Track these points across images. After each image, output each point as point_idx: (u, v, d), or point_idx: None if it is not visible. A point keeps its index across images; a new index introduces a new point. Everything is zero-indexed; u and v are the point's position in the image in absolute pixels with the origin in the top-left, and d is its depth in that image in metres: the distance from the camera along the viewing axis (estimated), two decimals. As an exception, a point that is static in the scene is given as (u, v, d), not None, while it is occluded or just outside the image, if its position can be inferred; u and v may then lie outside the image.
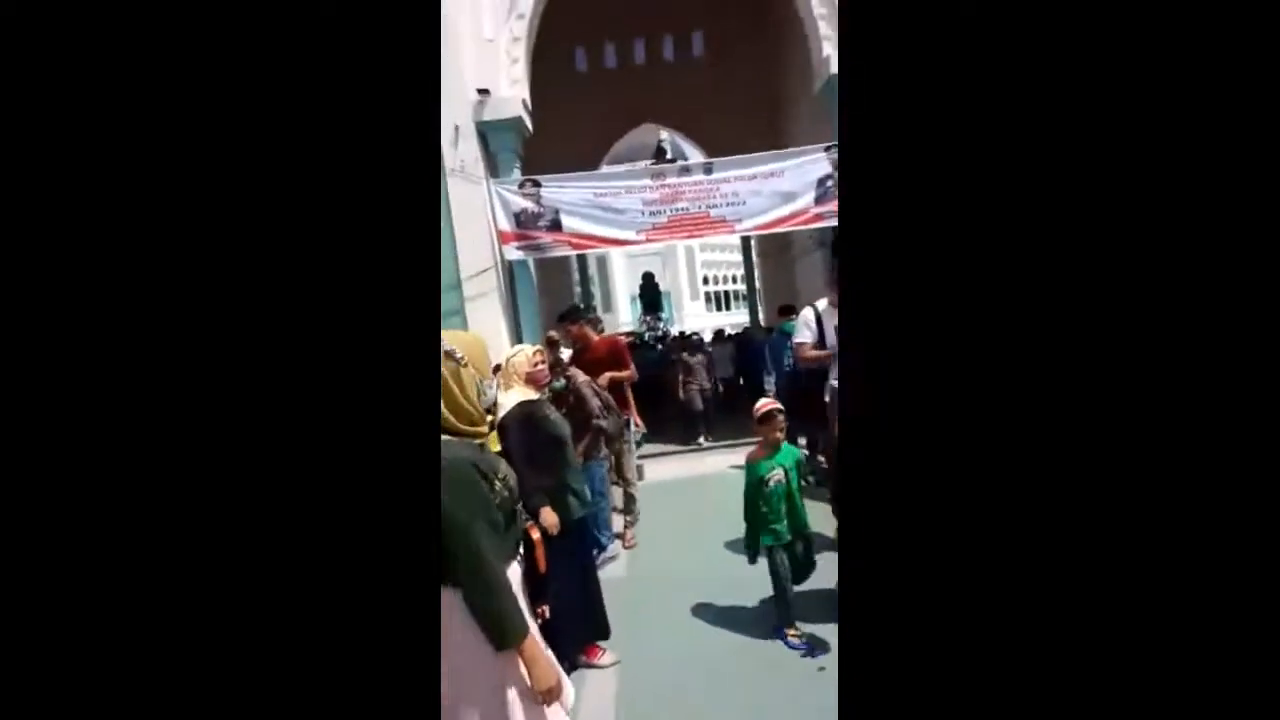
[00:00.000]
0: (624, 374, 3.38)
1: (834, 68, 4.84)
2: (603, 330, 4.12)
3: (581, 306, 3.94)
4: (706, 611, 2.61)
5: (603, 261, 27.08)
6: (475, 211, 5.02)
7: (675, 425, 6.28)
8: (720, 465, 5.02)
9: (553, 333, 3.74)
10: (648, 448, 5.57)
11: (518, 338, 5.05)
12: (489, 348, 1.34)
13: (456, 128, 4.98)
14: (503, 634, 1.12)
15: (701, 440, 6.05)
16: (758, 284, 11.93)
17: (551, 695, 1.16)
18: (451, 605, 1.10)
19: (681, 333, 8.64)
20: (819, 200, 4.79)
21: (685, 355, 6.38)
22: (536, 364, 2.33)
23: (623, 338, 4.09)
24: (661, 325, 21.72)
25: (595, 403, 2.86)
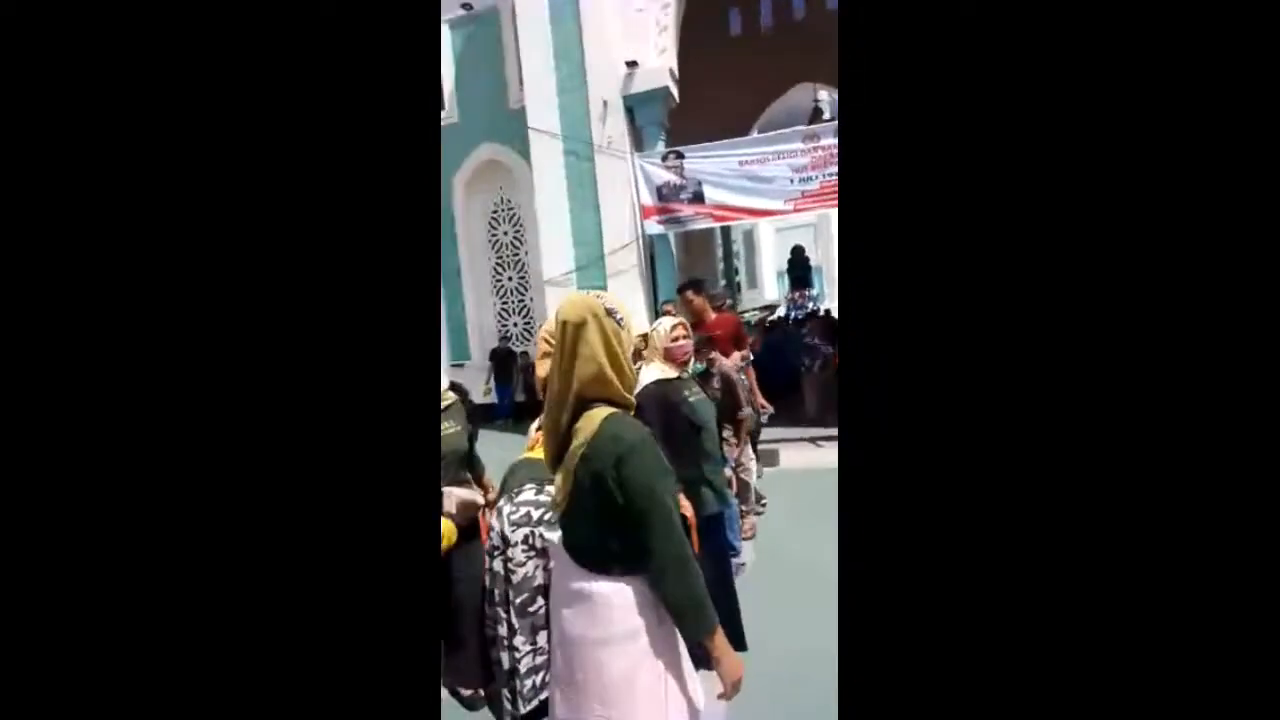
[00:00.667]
0: (739, 354, 3.06)
1: None
2: (728, 306, 3.88)
3: (703, 280, 3.65)
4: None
5: (749, 235, 26.30)
6: (620, 187, 5.07)
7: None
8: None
9: (668, 307, 3.55)
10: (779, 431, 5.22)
11: (655, 315, 5.05)
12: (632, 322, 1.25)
13: (605, 103, 5.04)
14: (699, 623, 0.99)
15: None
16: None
17: (738, 687, 1.04)
18: (625, 594, 1.01)
19: (827, 311, 7.88)
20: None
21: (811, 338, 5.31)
22: (676, 339, 2.17)
23: (740, 316, 3.77)
24: (811, 303, 20.52)
25: (742, 392, 2.63)
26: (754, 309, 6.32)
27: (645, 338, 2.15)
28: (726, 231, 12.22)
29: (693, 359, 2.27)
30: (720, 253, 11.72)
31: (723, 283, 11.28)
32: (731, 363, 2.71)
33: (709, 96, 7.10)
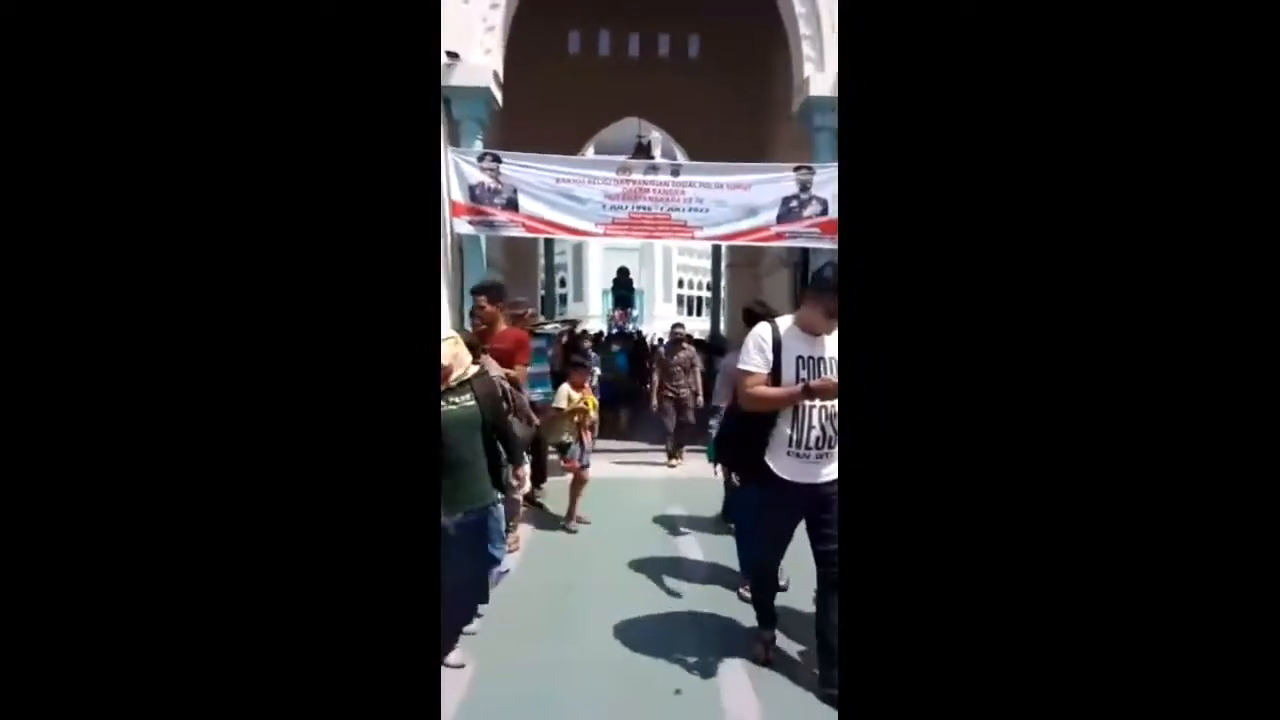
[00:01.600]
0: (514, 371, 3.06)
1: (813, 89, 4.82)
2: (530, 316, 3.94)
3: (497, 285, 3.63)
4: (587, 618, 2.53)
5: (579, 248, 26.77)
6: (431, 178, 4.82)
7: (647, 429, 5.67)
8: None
9: (463, 330, 3.47)
10: (608, 444, 5.43)
11: (460, 315, 4.87)
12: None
13: (421, 88, 4.77)
14: None
15: (670, 460, 5.15)
16: (723, 294, 11.96)
17: None
18: None
19: (639, 332, 8.47)
20: (781, 219, 4.77)
21: (664, 353, 5.39)
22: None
23: (533, 330, 3.86)
24: (631, 324, 21.62)
25: (512, 404, 2.68)
26: (555, 322, 6.40)
27: None
28: (551, 242, 12.34)
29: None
30: (543, 262, 11.77)
31: (541, 293, 11.32)
32: (498, 373, 2.75)
33: (539, 109, 7.16)
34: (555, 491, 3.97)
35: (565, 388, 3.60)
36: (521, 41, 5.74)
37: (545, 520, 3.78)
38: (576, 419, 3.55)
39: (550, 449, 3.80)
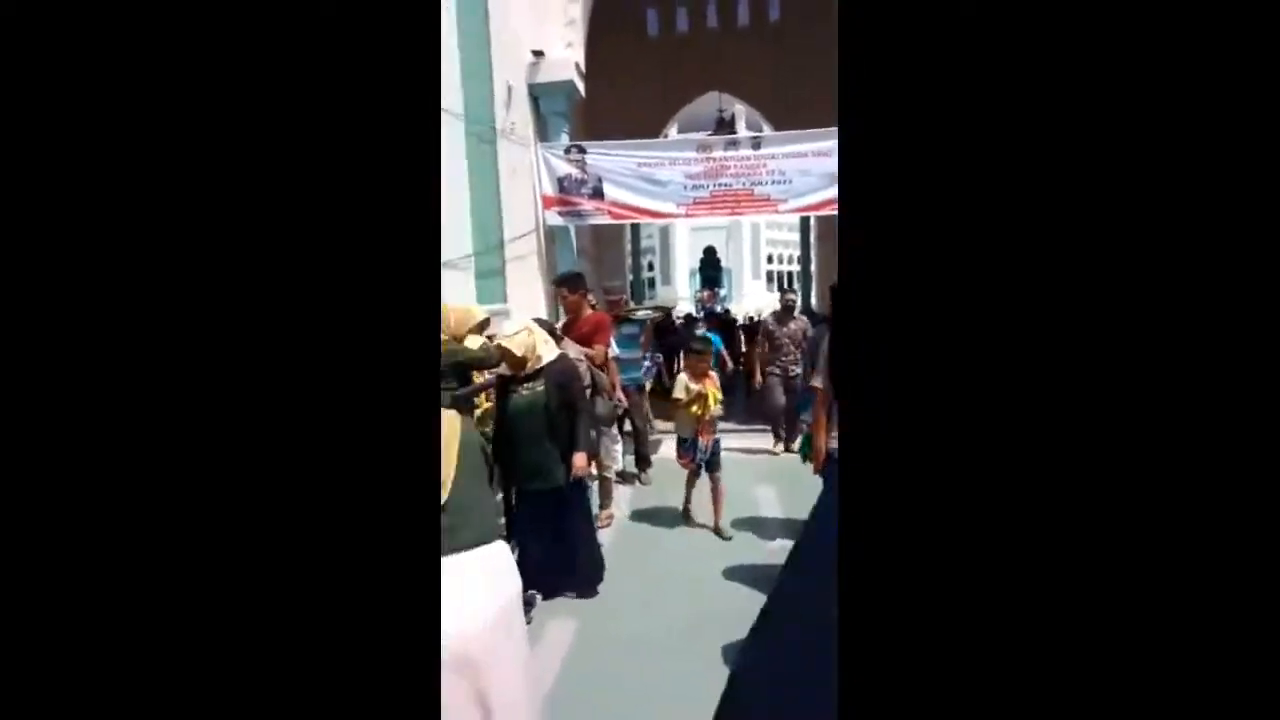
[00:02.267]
0: (593, 352, 3.14)
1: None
2: (624, 303, 4.09)
3: (576, 275, 3.70)
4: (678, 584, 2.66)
5: (666, 232, 26.77)
6: (522, 174, 5.10)
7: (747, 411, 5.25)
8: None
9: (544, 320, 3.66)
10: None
11: (554, 305, 5.15)
12: (526, 310, 1.43)
13: (510, 88, 5.04)
14: None
15: (777, 447, 4.77)
16: (813, 267, 11.53)
17: None
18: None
19: (726, 311, 8.36)
20: (872, 184, 4.53)
21: (771, 323, 4.86)
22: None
23: (621, 316, 3.94)
24: (719, 304, 21.43)
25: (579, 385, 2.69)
26: (646, 307, 6.47)
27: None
28: (637, 227, 12.49)
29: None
30: (629, 247, 11.97)
31: (630, 278, 11.54)
32: (577, 354, 2.92)
33: (621, 94, 7.27)
34: (671, 481, 3.73)
35: (683, 378, 3.22)
36: (601, 29, 5.86)
37: (643, 497, 3.92)
38: (696, 410, 3.09)
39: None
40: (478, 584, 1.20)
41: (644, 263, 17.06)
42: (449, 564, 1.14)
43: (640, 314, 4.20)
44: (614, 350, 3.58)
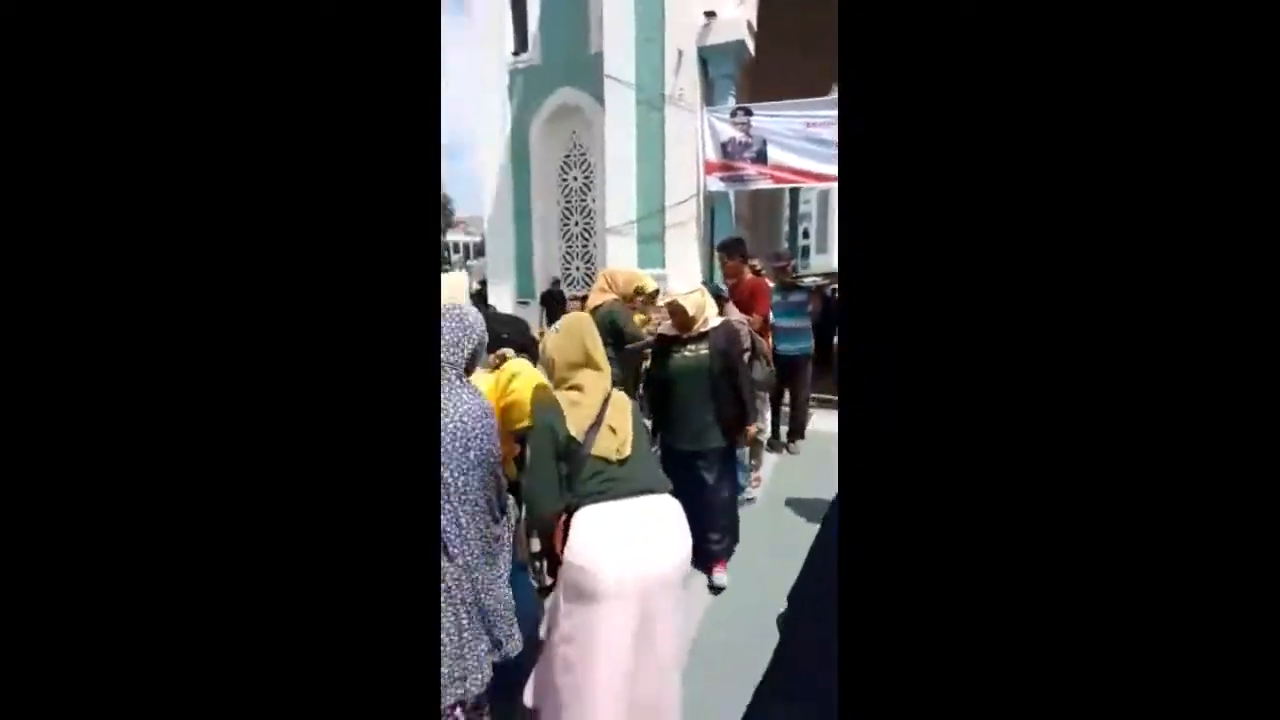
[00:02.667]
0: (751, 319, 3.14)
1: None
2: (790, 269, 4.03)
3: (737, 240, 3.70)
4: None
5: (824, 198, 25.20)
6: (687, 141, 5.20)
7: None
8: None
9: (710, 283, 3.72)
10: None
11: (710, 269, 5.24)
12: (682, 275, 1.58)
13: (680, 53, 5.11)
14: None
15: None
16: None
17: None
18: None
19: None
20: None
21: None
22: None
23: (779, 282, 3.87)
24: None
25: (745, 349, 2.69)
26: (815, 275, 6.20)
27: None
28: (796, 193, 11.93)
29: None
30: (787, 214, 11.53)
31: (785, 245, 11.16)
32: (738, 318, 2.92)
33: (788, 55, 6.93)
34: (819, 455, 3.84)
35: None
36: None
37: (789, 467, 3.95)
38: None
39: None
40: (666, 524, 1.32)
41: (800, 229, 16.25)
42: (638, 505, 1.29)
43: (808, 280, 4.05)
44: (774, 319, 3.59)
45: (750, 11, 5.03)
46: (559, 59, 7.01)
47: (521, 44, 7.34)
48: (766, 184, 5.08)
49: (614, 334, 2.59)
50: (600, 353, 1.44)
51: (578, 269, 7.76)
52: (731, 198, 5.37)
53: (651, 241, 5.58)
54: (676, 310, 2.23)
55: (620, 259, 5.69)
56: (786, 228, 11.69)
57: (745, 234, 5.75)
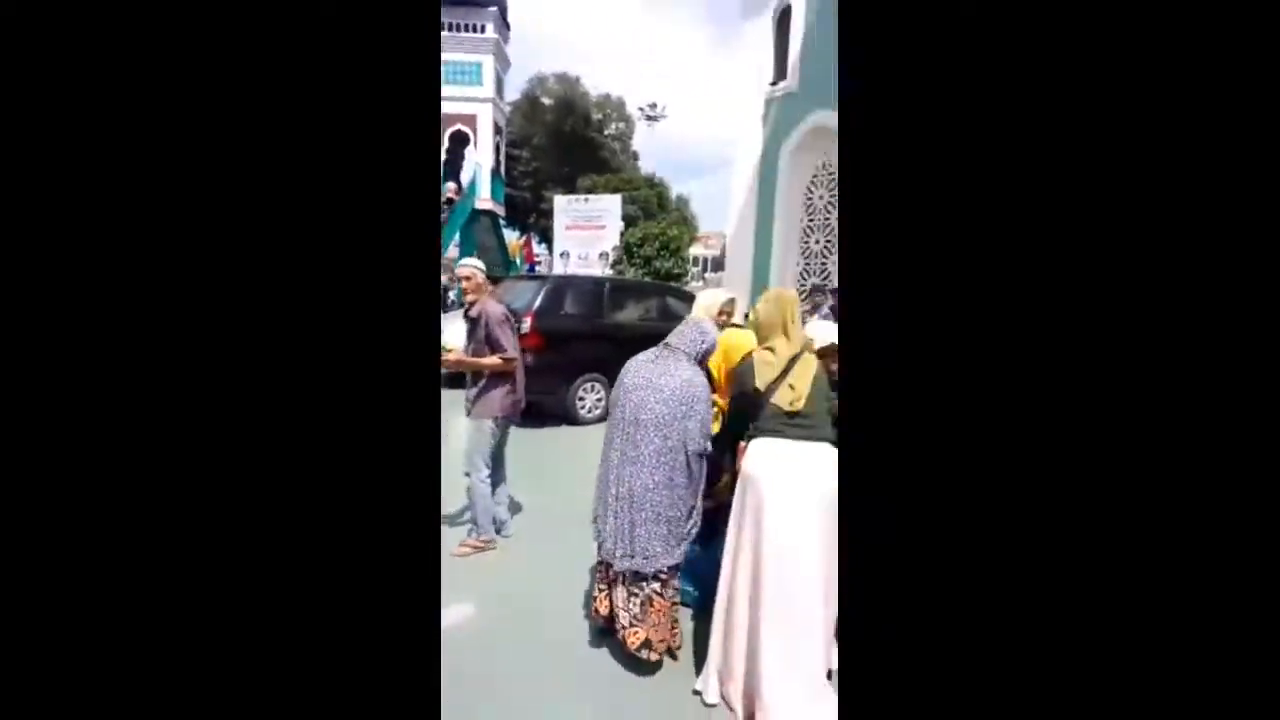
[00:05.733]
0: None
1: None
2: None
3: None
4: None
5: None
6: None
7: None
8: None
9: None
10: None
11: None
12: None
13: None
14: None
15: None
16: None
17: None
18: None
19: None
20: None
21: None
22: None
23: None
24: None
25: None
26: None
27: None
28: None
29: None
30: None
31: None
32: None
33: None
34: None
35: None
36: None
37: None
38: None
39: None
40: (815, 465, 1.57)
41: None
42: (798, 446, 1.59)
43: None
44: None
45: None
46: (815, 86, 7.21)
47: (780, 73, 7.73)
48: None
49: None
50: (795, 324, 1.75)
51: (807, 286, 7.83)
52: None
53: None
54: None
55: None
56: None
57: None
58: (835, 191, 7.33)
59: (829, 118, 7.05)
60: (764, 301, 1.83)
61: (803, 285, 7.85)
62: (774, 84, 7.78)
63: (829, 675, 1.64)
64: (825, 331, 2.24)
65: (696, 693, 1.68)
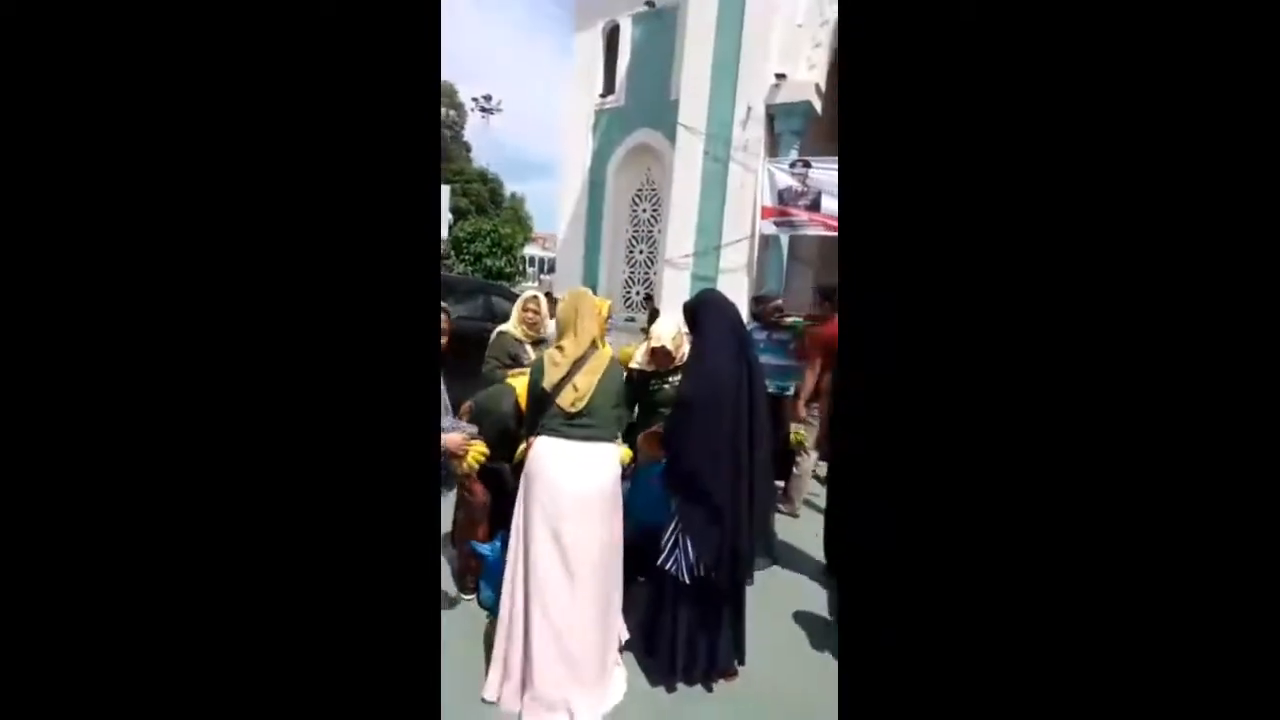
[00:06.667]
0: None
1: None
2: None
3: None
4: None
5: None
6: (747, 187, 5.59)
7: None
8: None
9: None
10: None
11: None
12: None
13: (749, 108, 5.55)
14: None
15: None
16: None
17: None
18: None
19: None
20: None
21: None
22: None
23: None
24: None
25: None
26: (797, 317, 6.31)
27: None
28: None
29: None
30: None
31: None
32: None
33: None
34: None
35: None
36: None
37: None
38: None
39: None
40: (589, 462, 1.65)
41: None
42: (575, 445, 1.65)
43: (791, 320, 4.12)
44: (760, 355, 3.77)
45: (820, 75, 5.40)
46: (641, 102, 7.63)
47: (609, 87, 8.04)
48: (818, 230, 5.37)
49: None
50: (585, 326, 1.77)
51: (637, 293, 8.25)
52: (784, 243, 5.69)
53: (706, 272, 5.97)
54: (659, 349, 2.32)
55: (676, 286, 6.12)
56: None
57: (807, 273, 6.00)
58: (657, 207, 7.83)
59: (653, 136, 7.50)
60: (562, 301, 1.88)
61: (626, 294, 8.25)
62: (603, 96, 8.06)
63: (614, 665, 1.74)
64: (663, 327, 2.25)
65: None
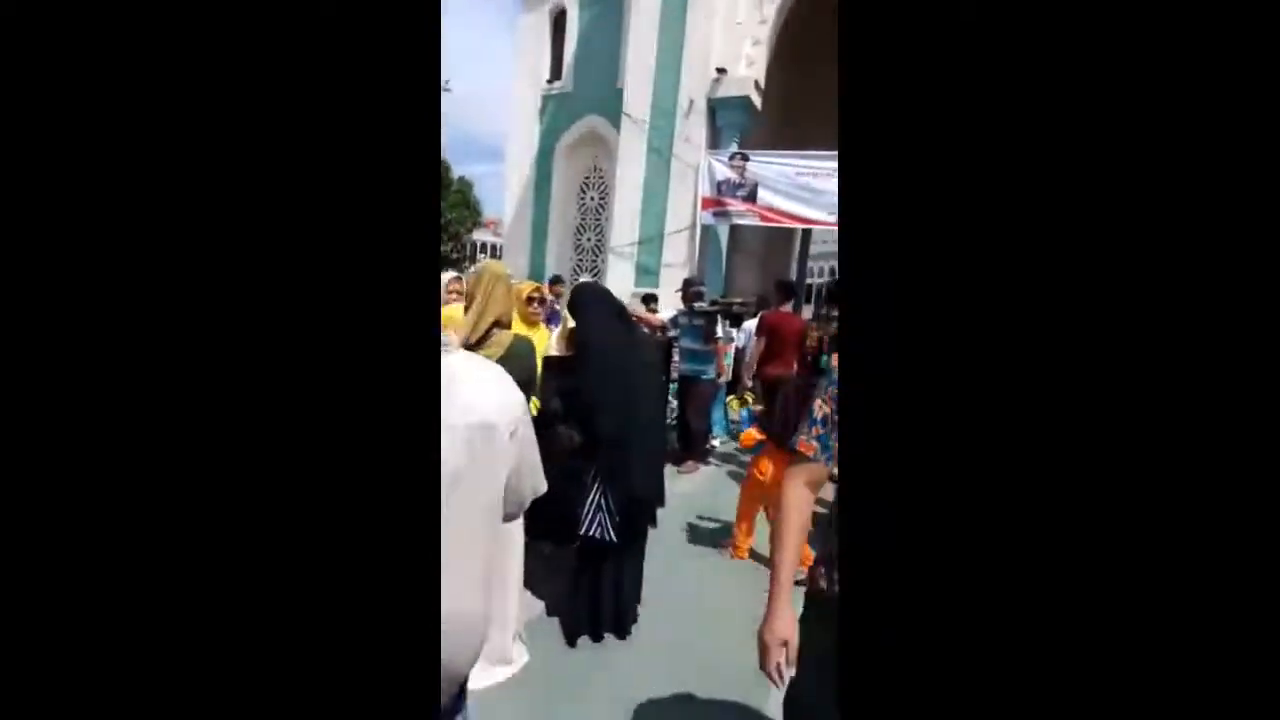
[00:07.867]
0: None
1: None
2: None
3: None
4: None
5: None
6: (689, 178, 5.74)
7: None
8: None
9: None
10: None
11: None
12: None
13: (691, 102, 5.68)
14: None
15: None
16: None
17: None
18: None
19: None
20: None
21: None
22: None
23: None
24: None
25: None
26: (730, 302, 6.54)
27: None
28: (808, 233, 12.40)
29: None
30: (798, 250, 12.00)
31: (793, 279, 11.57)
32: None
33: (805, 110, 7.48)
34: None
35: None
36: (789, 46, 6.18)
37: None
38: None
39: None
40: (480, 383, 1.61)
41: (815, 268, 16.63)
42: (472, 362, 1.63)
43: (710, 306, 4.30)
44: (681, 339, 4.09)
45: (759, 73, 5.59)
46: (588, 90, 7.63)
47: (556, 73, 7.99)
48: (754, 221, 5.59)
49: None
50: (490, 307, 1.79)
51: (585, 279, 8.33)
52: (723, 235, 5.89)
53: (649, 261, 6.11)
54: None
55: (620, 274, 6.23)
56: (796, 265, 12.14)
57: (750, 263, 6.22)
58: (604, 194, 7.89)
59: (600, 123, 7.54)
60: (474, 274, 1.89)
61: (576, 278, 8.29)
62: (550, 81, 8.01)
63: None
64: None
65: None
